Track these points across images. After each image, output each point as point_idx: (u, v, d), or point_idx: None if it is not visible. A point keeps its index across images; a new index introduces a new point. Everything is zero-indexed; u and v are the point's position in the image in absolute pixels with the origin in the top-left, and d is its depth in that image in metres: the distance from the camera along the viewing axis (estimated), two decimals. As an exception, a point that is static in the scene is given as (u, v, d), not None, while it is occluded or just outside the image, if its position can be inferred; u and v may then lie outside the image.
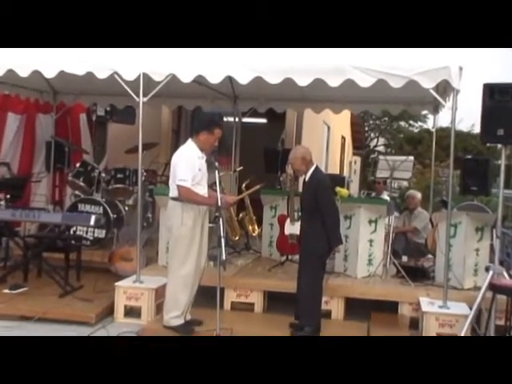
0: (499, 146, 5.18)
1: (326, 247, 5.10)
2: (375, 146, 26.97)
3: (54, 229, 6.88)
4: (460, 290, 5.73)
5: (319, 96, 7.58)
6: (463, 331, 4.75)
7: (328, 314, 5.65)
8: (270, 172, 8.02)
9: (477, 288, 5.57)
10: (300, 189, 6.05)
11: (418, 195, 7.89)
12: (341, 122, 16.39)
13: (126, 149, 7.52)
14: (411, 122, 26.30)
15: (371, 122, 26.13)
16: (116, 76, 5.51)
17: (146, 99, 5.52)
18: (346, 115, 15.53)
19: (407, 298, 5.66)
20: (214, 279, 4.66)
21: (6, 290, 5.80)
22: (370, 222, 6.29)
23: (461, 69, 5.00)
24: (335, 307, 5.71)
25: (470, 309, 4.98)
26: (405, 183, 13.93)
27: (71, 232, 7.02)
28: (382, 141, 27.66)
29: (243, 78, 5.33)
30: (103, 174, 7.58)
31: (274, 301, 5.88)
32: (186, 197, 4.88)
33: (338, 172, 16.31)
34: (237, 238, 7.28)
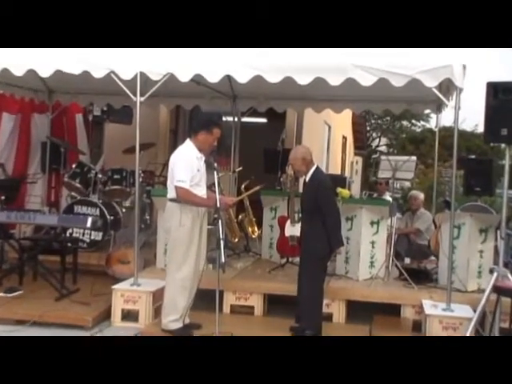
0: (503, 145, 5.19)
1: (327, 249, 5.10)
2: (377, 145, 26.99)
3: (50, 231, 6.89)
4: (464, 292, 5.73)
5: (320, 95, 7.59)
6: (467, 334, 4.76)
7: (329, 317, 5.65)
8: (270, 173, 8.02)
9: (481, 290, 5.57)
10: (300, 190, 6.07)
11: (421, 196, 7.90)
12: (342, 122, 16.41)
13: (123, 149, 7.53)
14: (414, 121, 26.31)
15: (373, 121, 26.14)
16: (113, 75, 5.51)
17: (143, 99, 5.52)
18: (347, 115, 15.53)
19: (410, 301, 5.66)
20: (213, 282, 4.66)
21: (1, 294, 5.78)
22: (372, 223, 6.30)
23: (464, 67, 5.00)
24: (336, 310, 5.71)
25: (474, 311, 4.99)
26: (407, 184, 13.95)
27: (67, 234, 7.04)
28: (383, 141, 27.68)
29: (242, 77, 5.34)
30: (100, 175, 7.58)
31: (275, 304, 5.88)
32: (185, 198, 4.88)
33: (339, 172, 16.31)
34: (236, 239, 7.28)
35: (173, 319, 5.00)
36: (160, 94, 6.39)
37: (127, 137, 6.86)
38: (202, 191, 5.03)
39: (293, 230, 6.17)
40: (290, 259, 6.64)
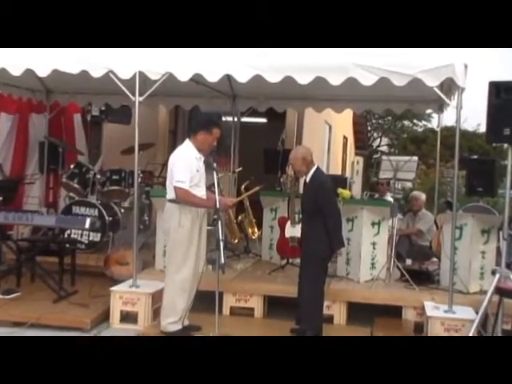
0: (505, 145, 5.18)
1: (328, 250, 5.10)
2: (378, 146, 26.98)
3: (48, 232, 6.89)
4: (466, 293, 5.73)
5: (320, 95, 7.59)
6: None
7: (330, 319, 5.65)
8: (270, 173, 8.02)
9: (483, 292, 5.57)
10: (301, 190, 6.07)
11: (423, 196, 7.89)
12: (343, 122, 16.41)
13: (121, 149, 7.53)
14: (415, 121, 26.31)
15: (374, 121, 26.14)
16: (111, 75, 5.51)
17: (142, 98, 5.52)
18: (348, 114, 15.52)
19: (411, 303, 5.66)
20: (212, 283, 4.66)
21: (-1, 296, 5.80)
22: (373, 224, 6.29)
23: (466, 67, 5.00)
24: (337, 312, 5.71)
25: (476, 313, 4.98)
26: (409, 184, 13.91)
27: (65, 235, 7.04)
28: (385, 141, 27.68)
29: (242, 77, 5.34)
30: (98, 176, 7.58)
31: (275, 305, 5.88)
32: (184, 199, 4.88)
33: (339, 173, 16.32)
34: (236, 241, 7.28)
35: (172, 321, 5.00)
36: (159, 94, 6.39)
37: (126, 137, 6.86)
38: (201, 192, 5.03)
39: (293, 231, 6.16)
40: (291, 260, 6.63)
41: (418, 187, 14.61)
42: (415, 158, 7.25)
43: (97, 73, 5.52)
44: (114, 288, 5.60)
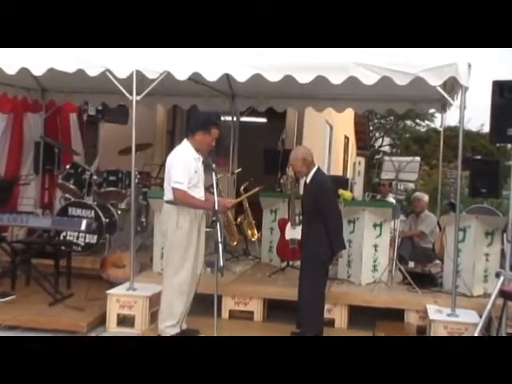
0: (510, 145, 5.20)
1: (329, 252, 5.11)
2: (380, 146, 27.00)
3: (43, 234, 6.89)
4: (469, 297, 5.74)
5: (321, 94, 7.60)
6: (473, 340, 4.75)
7: (331, 323, 5.65)
8: (270, 174, 8.03)
9: (487, 295, 5.58)
10: (301, 191, 6.07)
11: (425, 198, 7.90)
12: (344, 122, 16.42)
13: (118, 150, 7.53)
14: (418, 121, 26.32)
15: (376, 121, 26.14)
16: (108, 73, 5.51)
17: (139, 98, 5.52)
18: (349, 114, 15.51)
19: (414, 306, 5.67)
20: (211, 286, 4.67)
21: (-7, 299, 5.80)
22: (375, 225, 6.30)
23: (469, 66, 5.00)
24: (338, 315, 5.71)
25: (480, 317, 4.98)
26: (411, 185, 13.91)
27: (61, 237, 7.04)
28: (387, 141, 27.69)
29: (241, 76, 5.34)
30: (95, 177, 7.58)
31: (275, 309, 5.89)
32: (182, 200, 4.89)
33: (341, 174, 16.33)
34: (235, 243, 7.28)
35: (169, 325, 5.00)
36: (157, 93, 6.39)
37: (123, 137, 6.86)
38: (199, 193, 5.03)
39: (293, 232, 6.17)
40: (291, 263, 6.63)
41: (421, 188, 14.61)
42: (418, 158, 7.27)
43: (93, 72, 5.52)
44: (110, 291, 5.60)
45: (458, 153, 5.30)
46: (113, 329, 5.48)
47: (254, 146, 8.56)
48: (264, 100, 8.14)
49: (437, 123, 22.03)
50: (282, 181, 7.68)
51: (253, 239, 7.59)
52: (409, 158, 7.11)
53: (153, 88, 5.54)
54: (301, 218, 5.63)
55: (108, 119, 9.14)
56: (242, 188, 7.22)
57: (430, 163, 19.22)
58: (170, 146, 9.71)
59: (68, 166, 7.65)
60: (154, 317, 5.42)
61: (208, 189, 5.22)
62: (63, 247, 6.62)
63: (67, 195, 7.67)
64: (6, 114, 8.16)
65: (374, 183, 13.44)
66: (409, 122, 26.85)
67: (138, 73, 5.44)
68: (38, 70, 5.61)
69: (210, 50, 5.18)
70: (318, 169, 5.27)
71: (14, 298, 5.88)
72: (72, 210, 7.32)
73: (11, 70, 5.61)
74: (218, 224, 4.59)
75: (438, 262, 7.01)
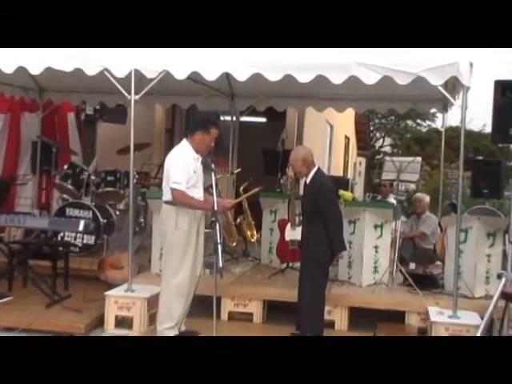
0: (512, 146, 5.20)
1: (329, 253, 5.11)
2: (381, 146, 27.01)
3: (41, 234, 6.88)
4: (471, 298, 5.74)
5: (321, 94, 7.59)
6: (474, 342, 4.75)
7: (331, 325, 5.65)
8: (270, 174, 8.03)
9: (488, 296, 5.58)
10: (301, 192, 6.06)
11: (426, 198, 7.91)
12: (344, 122, 16.43)
13: (116, 150, 7.53)
14: (419, 121, 26.34)
15: (377, 121, 26.16)
16: (106, 73, 5.50)
17: (137, 97, 5.52)
18: (349, 114, 15.54)
19: (415, 308, 5.67)
20: (210, 288, 4.67)
21: (-10, 300, 5.80)
22: (376, 226, 6.30)
23: (471, 65, 5.01)
24: (339, 317, 5.71)
25: (482, 318, 4.98)
26: (412, 186, 13.95)
27: (59, 238, 7.03)
28: (388, 141, 27.70)
29: (241, 75, 5.34)
30: (93, 177, 7.58)
31: (274, 310, 5.89)
32: (180, 200, 4.89)
33: (341, 174, 16.33)
34: (234, 244, 7.28)
35: (168, 327, 5.00)
36: (155, 93, 6.39)
37: (121, 137, 6.86)
38: (198, 193, 5.03)
39: (293, 233, 6.17)
40: (291, 264, 6.64)
41: (422, 189, 14.63)
42: (419, 158, 7.27)
43: (91, 71, 5.52)
44: (108, 292, 5.60)
45: (459, 153, 5.31)
46: (111, 330, 5.47)
47: (253, 146, 8.57)
48: (264, 99, 8.14)
49: (438, 123, 22.15)
50: (281, 181, 7.69)
51: (252, 240, 7.59)
52: (410, 159, 7.11)
53: (151, 87, 5.54)
54: (301, 218, 5.63)
55: (106, 119, 9.14)
56: (242, 188, 7.22)
57: (431, 163, 19.25)
58: (169, 145, 9.71)
59: (66, 166, 7.65)
60: (152, 318, 5.42)
61: (207, 189, 5.22)
62: (61, 248, 6.62)
63: (65, 195, 7.67)
64: (3, 113, 8.16)
65: (374, 184, 13.47)
66: (410, 122, 26.86)
67: (137, 72, 5.44)
68: (35, 69, 5.61)
69: (209, 49, 5.18)
70: (319, 169, 5.27)
71: (10, 300, 5.87)
72: (70, 211, 7.32)
73: (8, 68, 5.61)
74: (217, 225, 4.59)
75: (439, 263, 7.01)
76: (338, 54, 5.08)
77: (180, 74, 5.44)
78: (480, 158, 16.23)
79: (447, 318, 5.21)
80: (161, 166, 7.43)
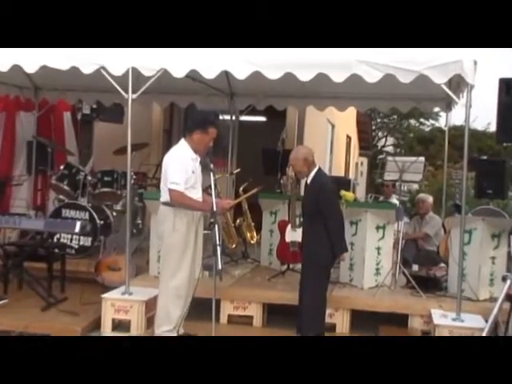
0: (516, 145, 5.21)
1: (330, 255, 5.11)
2: (383, 146, 27.06)
3: (36, 236, 6.87)
4: (475, 301, 5.74)
5: (322, 92, 7.59)
6: (478, 346, 4.75)
7: (332, 328, 5.65)
8: (270, 174, 8.03)
9: (493, 299, 5.58)
10: (302, 192, 6.06)
11: (430, 199, 7.91)
12: (346, 121, 16.44)
13: (113, 150, 7.54)
14: (422, 120, 26.39)
15: (379, 120, 26.22)
16: (103, 71, 5.50)
17: (135, 96, 5.52)
18: (351, 113, 15.58)
19: (418, 310, 5.67)
20: (209, 290, 4.67)
21: (-15, 303, 5.80)
22: (378, 228, 6.30)
23: (475, 63, 5.00)
24: (340, 320, 5.71)
25: (486, 321, 4.97)
26: (415, 186, 13.98)
27: (54, 240, 7.03)
28: (390, 140, 27.75)
29: (240, 73, 5.34)
30: (89, 177, 7.58)
31: (275, 313, 5.89)
32: (179, 201, 4.88)
33: (342, 174, 16.35)
34: (234, 245, 7.29)
35: (166, 330, 5.00)
36: (153, 91, 6.38)
37: (118, 137, 6.87)
38: (197, 194, 5.03)
39: (294, 235, 6.17)
40: (291, 266, 6.64)
41: (425, 189, 14.65)
42: (422, 158, 7.26)
43: (87, 69, 5.52)
44: (105, 295, 5.59)
45: (463, 153, 5.30)
46: (108, 334, 5.47)
47: (253, 145, 8.57)
48: (264, 98, 8.13)
49: (441, 122, 22.12)
50: (282, 181, 7.69)
51: (252, 242, 7.59)
52: (413, 158, 7.11)
53: (149, 86, 5.53)
54: (301, 219, 5.63)
55: (103, 118, 9.14)
56: (241, 189, 7.22)
57: (434, 163, 19.26)
58: (167, 145, 9.72)
59: (62, 167, 7.65)
60: (150, 322, 5.42)
61: (206, 190, 5.22)
62: (56, 250, 6.61)
63: (61, 196, 7.68)
64: (-3, 112, 8.17)
65: (376, 184, 13.45)
66: (413, 121, 26.93)
67: (134, 70, 5.44)
68: (30, 68, 5.61)
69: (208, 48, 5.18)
70: (319, 169, 5.27)
71: (6, 303, 5.87)
72: (66, 212, 7.32)
73: (3, 67, 5.61)
74: (216, 226, 4.58)
75: (442, 265, 7.01)
76: (339, 51, 5.07)
77: (178, 72, 5.43)
78: (484, 157, 16.25)
79: (451, 321, 5.21)
80: (159, 166, 7.43)
